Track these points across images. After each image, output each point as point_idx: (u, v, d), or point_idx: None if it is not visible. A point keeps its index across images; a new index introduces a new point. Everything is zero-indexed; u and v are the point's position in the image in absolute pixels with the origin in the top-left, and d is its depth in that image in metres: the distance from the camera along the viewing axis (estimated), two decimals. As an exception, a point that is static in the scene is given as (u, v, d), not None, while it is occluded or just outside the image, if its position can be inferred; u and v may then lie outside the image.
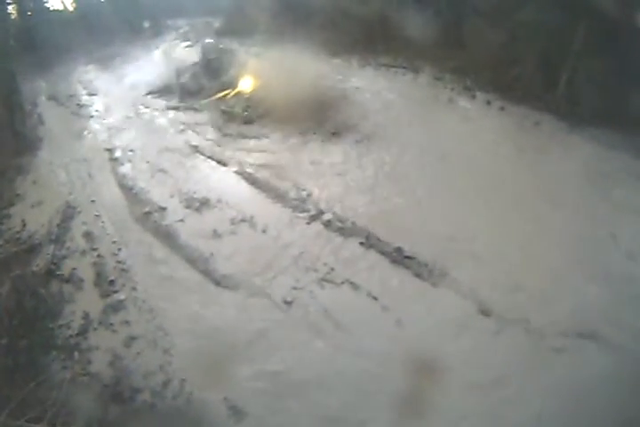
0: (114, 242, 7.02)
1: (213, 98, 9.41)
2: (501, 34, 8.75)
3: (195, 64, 10.37)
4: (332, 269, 6.26)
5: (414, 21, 9.83)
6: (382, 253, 6.40)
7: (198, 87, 9.91)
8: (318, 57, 9.38)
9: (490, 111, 8.30)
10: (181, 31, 13.10)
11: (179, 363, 5.55)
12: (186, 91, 10.02)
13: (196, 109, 9.59)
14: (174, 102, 10.02)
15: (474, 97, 8.60)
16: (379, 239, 6.53)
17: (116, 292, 6.39)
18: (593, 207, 6.59)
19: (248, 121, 8.93)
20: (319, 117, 8.60)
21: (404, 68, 9.38)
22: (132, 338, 5.88)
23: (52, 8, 14.03)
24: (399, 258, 6.32)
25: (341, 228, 6.79)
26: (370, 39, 9.91)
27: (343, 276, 6.16)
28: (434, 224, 6.64)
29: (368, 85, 9.25)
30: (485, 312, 5.65)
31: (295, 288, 6.09)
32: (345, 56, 10.04)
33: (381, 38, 9.83)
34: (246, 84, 9.21)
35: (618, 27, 7.42)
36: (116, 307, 6.23)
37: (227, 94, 9.18)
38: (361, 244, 6.55)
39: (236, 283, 6.21)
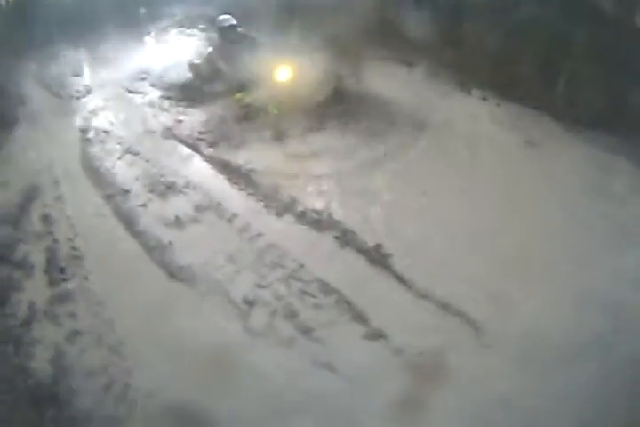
0: (71, 226, 6.50)
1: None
2: (499, 33, 8.38)
3: (209, 46, 9.40)
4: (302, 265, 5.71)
5: (412, 19, 9.49)
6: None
7: (212, 70, 8.77)
8: (316, 48, 8.78)
9: (485, 106, 7.91)
10: (176, 19, 12.64)
11: (124, 364, 5.02)
12: (198, 74, 9.00)
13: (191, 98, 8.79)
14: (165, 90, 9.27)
15: (469, 93, 8.23)
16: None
17: (65, 280, 5.85)
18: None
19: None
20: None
21: (400, 61, 8.99)
22: (77, 333, 5.34)
23: (46, -13, 13.66)
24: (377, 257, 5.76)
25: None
26: (367, 35, 9.53)
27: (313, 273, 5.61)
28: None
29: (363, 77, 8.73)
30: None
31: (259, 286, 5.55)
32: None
33: (378, 34, 9.47)
34: (276, 78, 7.93)
35: (619, 29, 7.08)
36: (64, 297, 5.69)
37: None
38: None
39: (192, 276, 5.64)
